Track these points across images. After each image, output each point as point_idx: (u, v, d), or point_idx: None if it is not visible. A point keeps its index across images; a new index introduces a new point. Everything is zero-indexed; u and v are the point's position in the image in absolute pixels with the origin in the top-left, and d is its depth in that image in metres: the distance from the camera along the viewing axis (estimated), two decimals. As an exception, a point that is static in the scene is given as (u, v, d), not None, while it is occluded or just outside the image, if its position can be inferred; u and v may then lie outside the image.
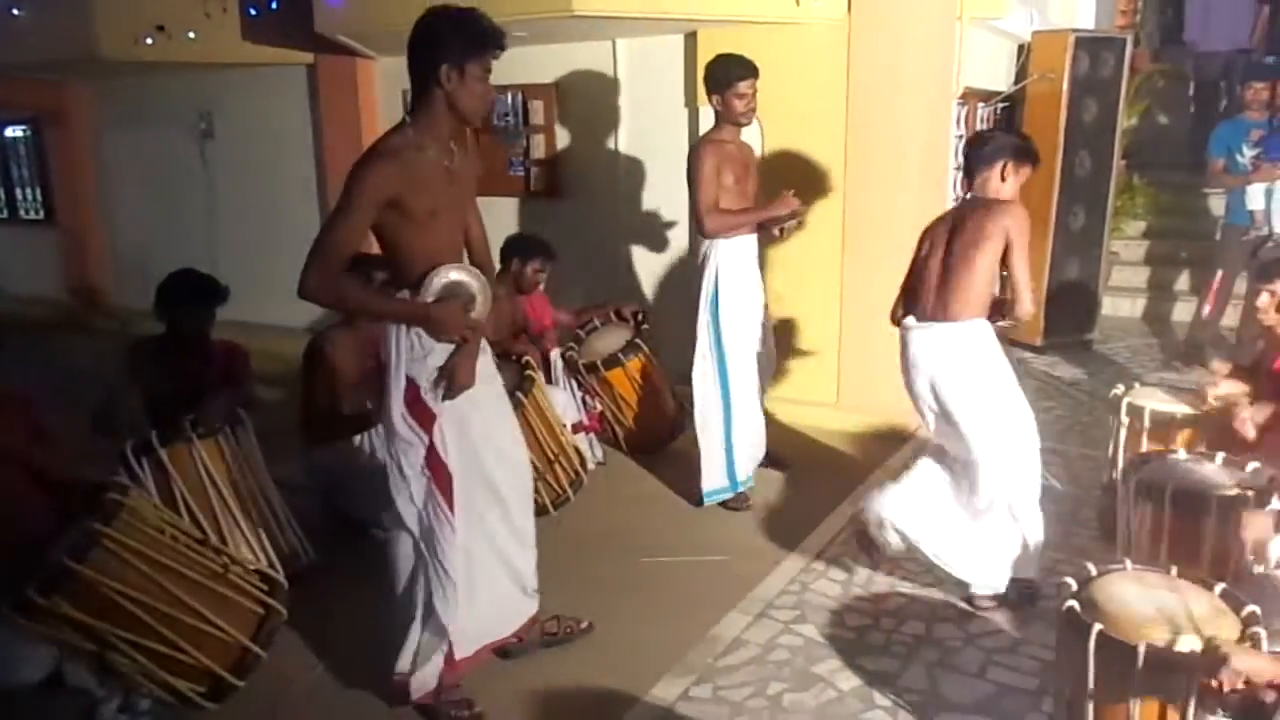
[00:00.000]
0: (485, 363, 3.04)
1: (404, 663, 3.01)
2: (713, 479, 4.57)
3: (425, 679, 3.00)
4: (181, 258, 4.31)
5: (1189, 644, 2.24)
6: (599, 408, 5.19)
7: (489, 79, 2.80)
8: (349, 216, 2.70)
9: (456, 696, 3.05)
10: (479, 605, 3.04)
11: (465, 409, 2.91)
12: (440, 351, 2.83)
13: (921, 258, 3.54)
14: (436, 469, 2.88)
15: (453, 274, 2.85)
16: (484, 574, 3.07)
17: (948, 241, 3.45)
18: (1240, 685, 2.06)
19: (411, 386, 2.83)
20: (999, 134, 3.66)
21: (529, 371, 4.50)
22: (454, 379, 2.84)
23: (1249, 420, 3.40)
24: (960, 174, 3.50)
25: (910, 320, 3.53)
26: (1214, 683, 2.08)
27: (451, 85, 2.72)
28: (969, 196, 3.54)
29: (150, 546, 2.95)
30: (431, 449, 2.86)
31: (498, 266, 5.01)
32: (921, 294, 3.51)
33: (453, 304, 2.81)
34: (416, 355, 2.82)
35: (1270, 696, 2.05)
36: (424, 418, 2.84)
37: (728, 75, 4.32)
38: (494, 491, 3.05)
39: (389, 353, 2.85)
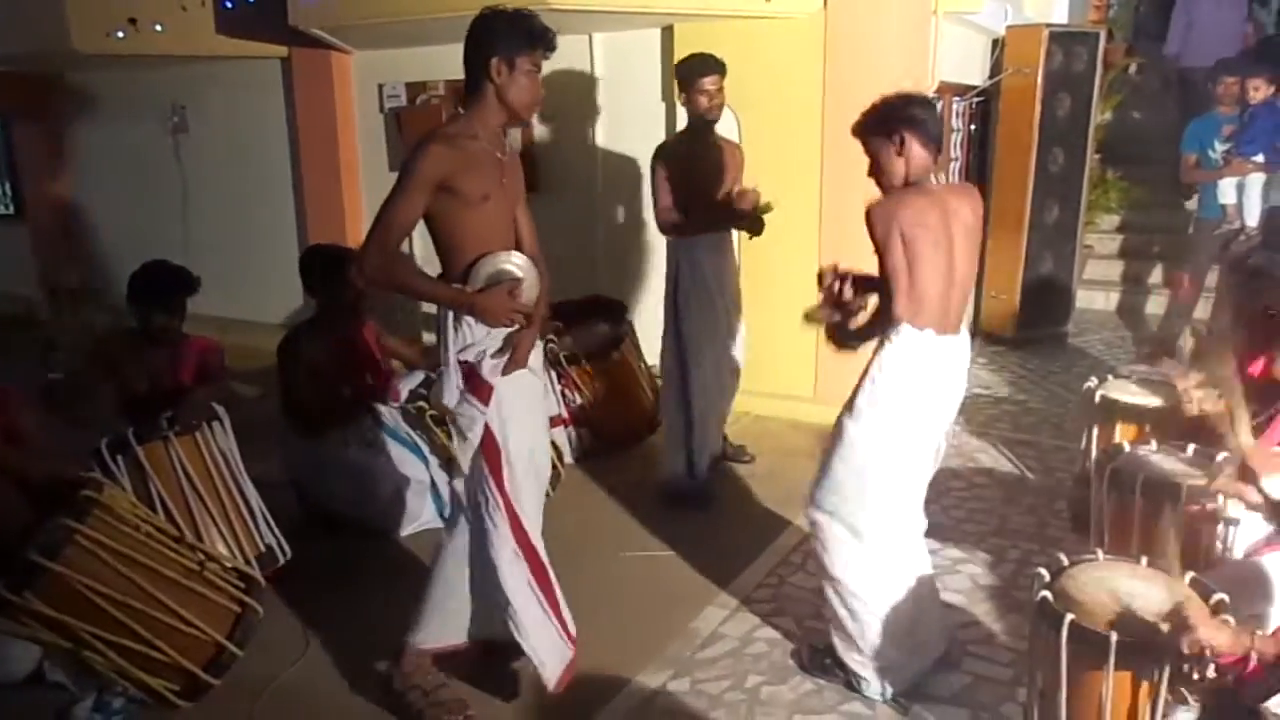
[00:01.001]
0: (534, 357, 3.07)
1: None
2: (672, 469, 4.62)
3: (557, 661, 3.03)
4: (155, 252, 4.26)
5: (1158, 631, 2.27)
6: (578, 401, 5.19)
7: (538, 76, 2.92)
8: (404, 198, 2.78)
9: (447, 697, 3.04)
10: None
11: (515, 397, 2.94)
12: (493, 337, 2.87)
13: (942, 259, 2.85)
14: (488, 445, 2.90)
15: (499, 262, 2.89)
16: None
17: (951, 237, 2.89)
18: (1207, 664, 2.09)
19: (465, 367, 2.87)
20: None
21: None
22: (516, 353, 2.89)
23: (1198, 401, 3.41)
24: (934, 144, 2.95)
25: (931, 333, 2.88)
26: (1183, 651, 2.10)
27: (501, 78, 2.84)
28: (938, 179, 3.00)
29: (125, 543, 2.94)
30: (487, 427, 2.89)
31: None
32: (942, 300, 2.90)
33: (498, 291, 2.85)
34: (467, 343, 2.86)
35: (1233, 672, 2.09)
36: (481, 391, 2.87)
37: (690, 72, 4.37)
38: (533, 482, 3.08)
39: (442, 342, 2.91)
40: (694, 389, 4.50)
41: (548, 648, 2.98)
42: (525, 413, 2.99)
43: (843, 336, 3.08)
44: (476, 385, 2.87)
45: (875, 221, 2.85)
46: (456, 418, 2.91)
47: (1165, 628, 2.24)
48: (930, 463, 3.10)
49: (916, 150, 2.91)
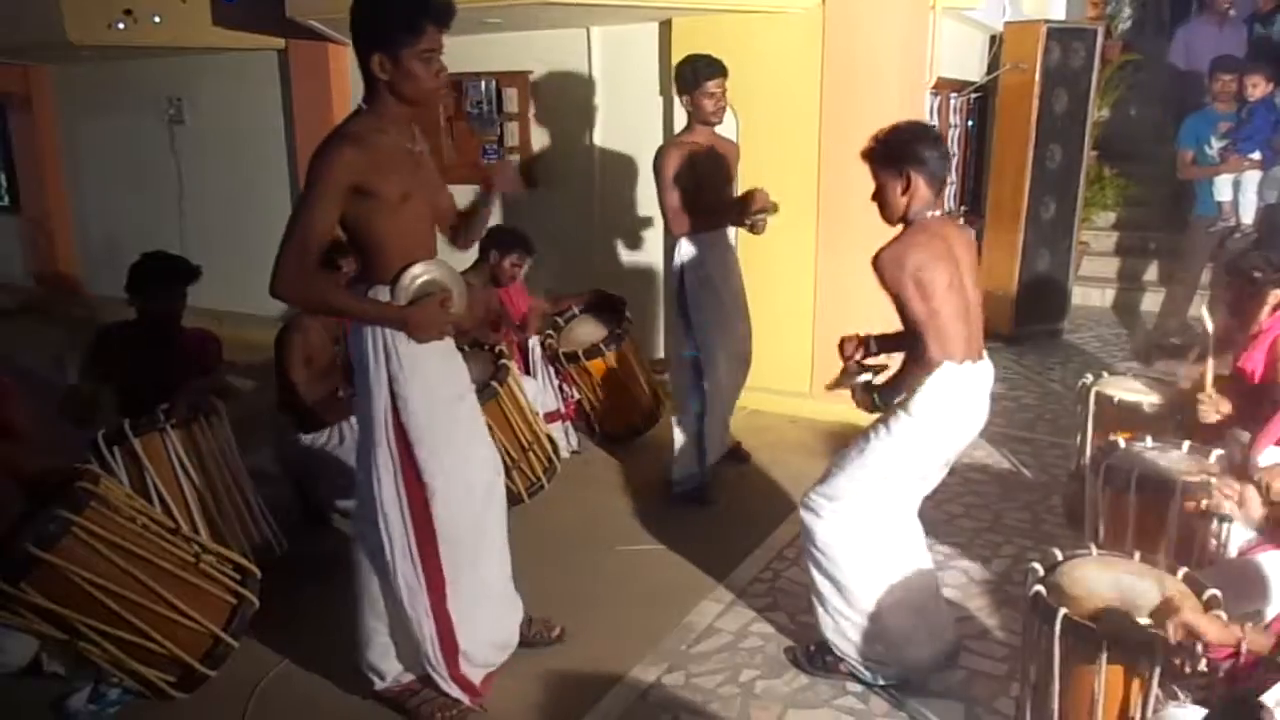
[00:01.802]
0: (462, 374, 2.98)
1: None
2: (684, 466, 4.57)
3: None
4: (150, 245, 4.25)
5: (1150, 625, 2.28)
6: (576, 396, 5.19)
7: (434, 57, 2.60)
8: (317, 206, 2.55)
9: (437, 694, 3.01)
10: (481, 631, 2.99)
11: (448, 424, 2.82)
12: (420, 351, 2.73)
13: (957, 288, 2.89)
14: (412, 492, 2.79)
15: (426, 273, 2.75)
16: (487, 599, 3.02)
17: (957, 266, 2.93)
18: (1198, 658, 2.09)
19: (394, 397, 2.73)
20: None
21: (503, 360, 4.50)
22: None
23: (1213, 404, 3.43)
24: (938, 183, 2.93)
25: (969, 364, 2.92)
26: (1171, 638, 2.11)
27: (388, 74, 2.57)
28: (940, 214, 2.98)
29: (121, 535, 2.93)
30: (409, 473, 2.77)
31: (475, 257, 5.03)
32: (972, 332, 2.96)
33: (430, 304, 2.71)
34: (393, 353, 2.71)
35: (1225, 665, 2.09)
36: (400, 436, 2.75)
37: (696, 75, 4.30)
38: (485, 504, 2.99)
39: (364, 354, 2.73)
40: (708, 384, 4.45)
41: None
42: (462, 441, 2.87)
43: (882, 397, 3.01)
44: (398, 429, 2.74)
45: (885, 270, 2.84)
46: (373, 445, 2.76)
47: (1155, 619, 2.25)
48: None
49: (921, 189, 2.90)
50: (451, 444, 2.83)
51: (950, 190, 7.01)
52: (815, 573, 3.11)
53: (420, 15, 2.54)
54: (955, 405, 2.93)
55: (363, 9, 2.59)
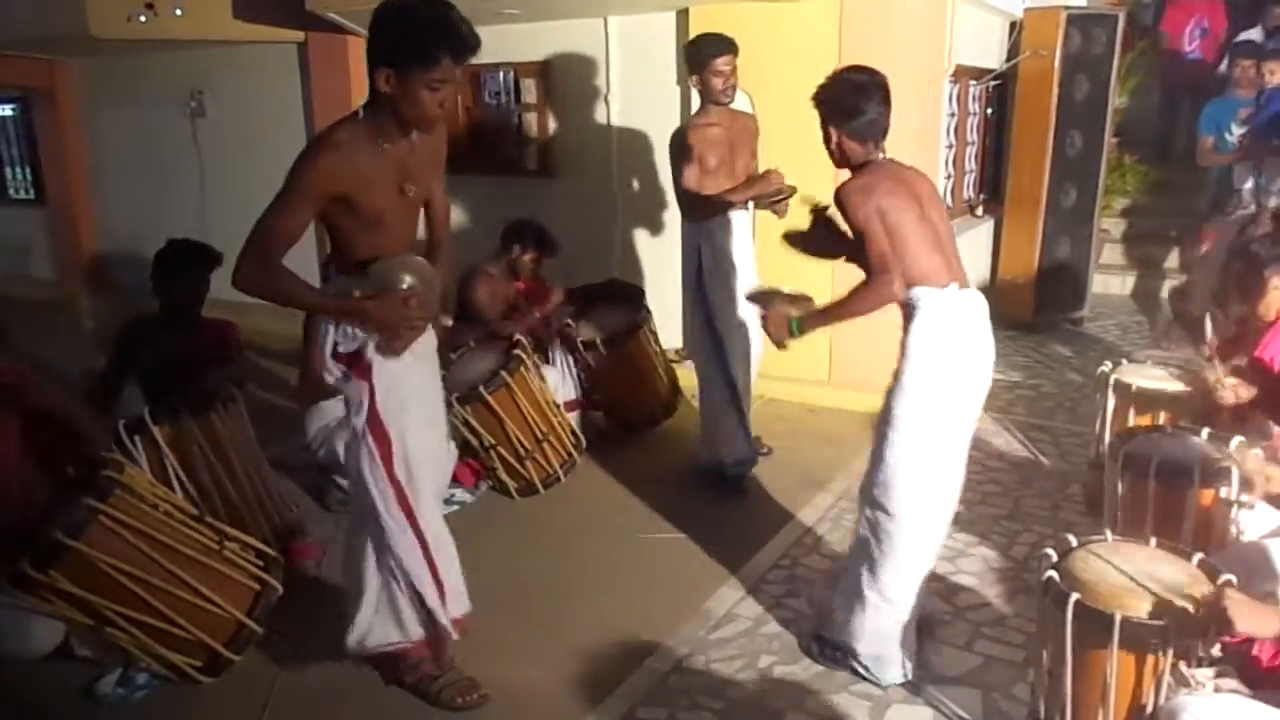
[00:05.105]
0: (426, 344, 2.93)
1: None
2: (735, 451, 4.55)
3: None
4: (172, 236, 4.31)
5: (1167, 611, 2.28)
6: (595, 385, 5.17)
7: (443, 87, 2.51)
8: (289, 208, 2.52)
9: (458, 679, 3.06)
10: (451, 583, 3.00)
11: (405, 392, 2.80)
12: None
13: (926, 218, 2.93)
14: (377, 434, 2.75)
15: (394, 270, 2.68)
16: (449, 554, 3.03)
17: (918, 199, 2.97)
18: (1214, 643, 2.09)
19: (345, 359, 2.73)
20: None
21: (516, 350, 4.50)
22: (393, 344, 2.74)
23: (1232, 390, 3.42)
24: (868, 141, 3.02)
25: (955, 287, 2.90)
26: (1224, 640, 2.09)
27: (390, 90, 2.50)
28: (887, 158, 3.06)
29: (146, 523, 2.97)
30: (373, 411, 2.74)
31: (499, 248, 5.04)
32: (949, 259, 2.95)
33: (390, 299, 2.64)
34: (347, 338, 2.72)
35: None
36: (361, 367, 2.71)
37: (703, 53, 4.28)
38: (434, 474, 3.01)
39: (315, 342, 2.76)
40: (733, 368, 4.44)
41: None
42: (416, 400, 2.83)
43: (800, 326, 3.06)
44: (352, 358, 2.72)
45: (850, 199, 2.90)
46: (349, 402, 2.75)
47: (1181, 605, 2.25)
48: (967, 445, 3.07)
49: (849, 145, 3.02)
50: (413, 407, 2.82)
51: (970, 178, 6.98)
52: (862, 568, 3.06)
53: (439, 48, 2.46)
54: (951, 331, 2.90)
55: (385, 22, 2.53)
